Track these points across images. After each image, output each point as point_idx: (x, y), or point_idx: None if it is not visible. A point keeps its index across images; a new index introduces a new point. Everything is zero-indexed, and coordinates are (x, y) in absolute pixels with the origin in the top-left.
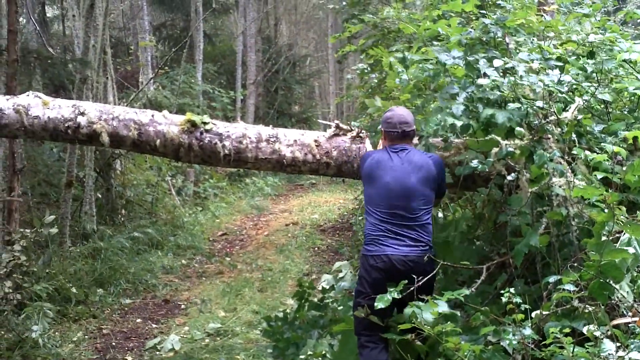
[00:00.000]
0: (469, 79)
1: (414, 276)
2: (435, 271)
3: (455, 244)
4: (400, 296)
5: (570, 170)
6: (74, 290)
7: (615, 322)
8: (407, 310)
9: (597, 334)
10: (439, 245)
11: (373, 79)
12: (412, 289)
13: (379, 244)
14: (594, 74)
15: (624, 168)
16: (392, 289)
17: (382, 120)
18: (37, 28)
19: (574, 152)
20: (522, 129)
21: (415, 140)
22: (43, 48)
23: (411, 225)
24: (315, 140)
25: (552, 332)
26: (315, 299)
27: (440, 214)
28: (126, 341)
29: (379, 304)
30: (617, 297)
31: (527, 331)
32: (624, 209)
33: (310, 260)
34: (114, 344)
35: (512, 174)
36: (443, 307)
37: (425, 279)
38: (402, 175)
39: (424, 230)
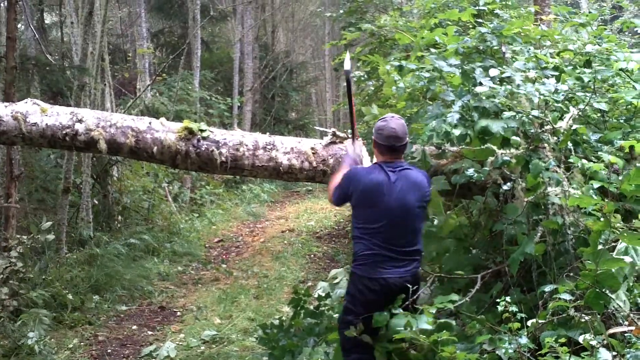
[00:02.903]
0: (465, 88)
1: (408, 286)
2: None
3: (451, 253)
4: (398, 312)
5: (566, 179)
6: (70, 296)
7: (611, 331)
8: (395, 321)
9: (593, 343)
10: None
11: (370, 87)
12: (407, 303)
13: (376, 267)
14: (591, 83)
15: (620, 177)
16: (389, 306)
17: (374, 128)
18: (36, 35)
19: (571, 160)
20: (517, 138)
21: (415, 147)
22: (41, 55)
23: (409, 251)
24: (312, 148)
25: (548, 341)
26: (311, 307)
27: (435, 222)
28: (122, 348)
29: (376, 324)
30: (614, 306)
31: (523, 340)
32: (620, 217)
33: (306, 267)
34: (109, 351)
35: (508, 183)
36: (422, 324)
37: (420, 291)
38: (402, 196)
39: (418, 249)
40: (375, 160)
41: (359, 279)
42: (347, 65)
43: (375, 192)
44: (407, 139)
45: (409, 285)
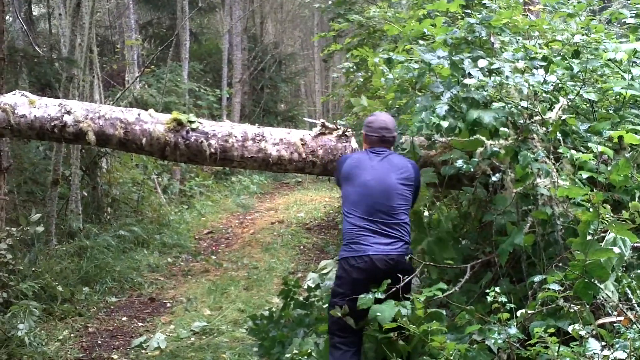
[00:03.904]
0: (454, 79)
1: (399, 275)
2: (417, 271)
3: (442, 243)
4: (383, 296)
5: (555, 170)
6: (60, 288)
7: (600, 321)
8: (376, 308)
9: (583, 333)
10: (426, 244)
11: (359, 78)
12: (393, 290)
13: (360, 243)
14: (580, 74)
15: (609, 167)
16: (375, 290)
17: (364, 123)
18: (24, 27)
19: (560, 151)
20: (506, 130)
21: (404, 138)
22: (29, 47)
23: (391, 224)
24: (301, 139)
25: (537, 332)
26: (301, 298)
27: (425, 213)
28: (112, 339)
29: (361, 305)
30: (602, 297)
31: (513, 330)
32: (609, 208)
33: (296, 258)
34: (99, 342)
35: (497, 174)
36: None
37: (408, 279)
38: (382, 174)
39: (403, 229)
40: None
41: (345, 260)
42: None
43: (355, 169)
44: (396, 132)
45: (394, 266)
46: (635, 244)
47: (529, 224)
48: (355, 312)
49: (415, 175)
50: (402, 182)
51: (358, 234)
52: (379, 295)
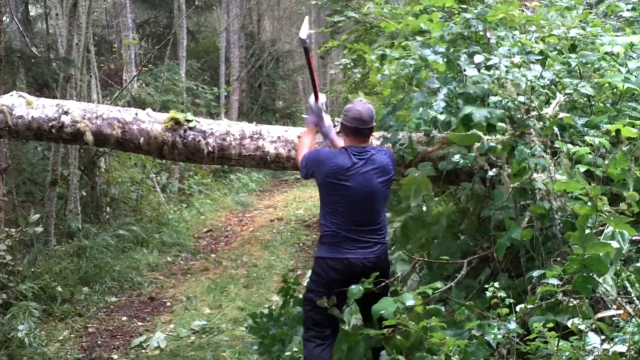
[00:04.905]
0: (450, 74)
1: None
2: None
3: (440, 239)
4: (370, 287)
5: (552, 165)
6: (59, 289)
7: (599, 315)
8: (378, 307)
9: (582, 327)
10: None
11: (356, 74)
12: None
13: (339, 247)
14: (577, 68)
15: (607, 161)
16: (364, 280)
17: (343, 110)
18: (21, 27)
19: (557, 145)
20: (503, 125)
21: (401, 134)
22: (26, 47)
23: (372, 230)
24: (299, 137)
25: (537, 326)
26: (301, 295)
27: (424, 208)
28: (112, 339)
29: (351, 297)
30: (601, 291)
31: (512, 325)
32: (607, 201)
33: (295, 256)
34: (99, 342)
35: (494, 169)
36: (409, 301)
37: (387, 280)
38: (365, 180)
39: (382, 230)
40: (342, 143)
41: (323, 259)
42: (302, 34)
43: (338, 177)
44: (374, 123)
45: (371, 267)
46: (634, 237)
47: (527, 219)
48: (333, 305)
49: (393, 166)
50: (384, 184)
51: (339, 239)
52: (368, 285)
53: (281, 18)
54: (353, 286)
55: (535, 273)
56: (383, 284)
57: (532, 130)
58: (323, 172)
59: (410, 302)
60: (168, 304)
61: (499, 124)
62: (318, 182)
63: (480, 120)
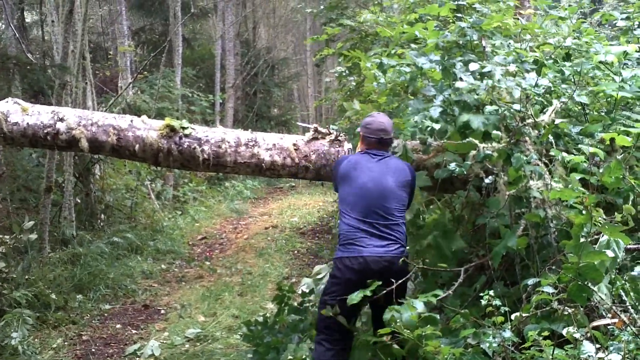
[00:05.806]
0: (446, 82)
1: (392, 280)
2: (410, 273)
3: (435, 246)
4: (371, 294)
5: (547, 172)
6: (53, 296)
7: (594, 323)
8: (388, 316)
9: (577, 336)
10: (419, 248)
11: (351, 82)
12: (385, 291)
13: (355, 244)
14: (572, 77)
15: (601, 169)
16: (365, 288)
17: (361, 124)
18: (16, 34)
19: (552, 153)
20: (499, 133)
21: (396, 142)
22: (22, 54)
23: (387, 225)
24: (294, 144)
25: (532, 335)
26: (295, 303)
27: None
28: (106, 347)
29: (351, 302)
30: (596, 299)
31: (507, 333)
32: (601, 210)
33: (290, 263)
34: (93, 350)
35: (490, 177)
36: (420, 308)
37: (400, 281)
38: (379, 176)
39: (398, 231)
40: None
41: (340, 260)
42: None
43: (352, 170)
44: (393, 134)
45: (388, 268)
46: (629, 246)
47: (522, 227)
48: (346, 311)
49: (412, 177)
50: (399, 184)
51: (354, 235)
52: (368, 293)
53: (277, 26)
54: (355, 293)
55: (531, 281)
56: (395, 289)
57: (527, 138)
58: (340, 169)
59: (421, 308)
60: (162, 311)
61: (495, 132)
62: (337, 181)
63: (479, 127)
